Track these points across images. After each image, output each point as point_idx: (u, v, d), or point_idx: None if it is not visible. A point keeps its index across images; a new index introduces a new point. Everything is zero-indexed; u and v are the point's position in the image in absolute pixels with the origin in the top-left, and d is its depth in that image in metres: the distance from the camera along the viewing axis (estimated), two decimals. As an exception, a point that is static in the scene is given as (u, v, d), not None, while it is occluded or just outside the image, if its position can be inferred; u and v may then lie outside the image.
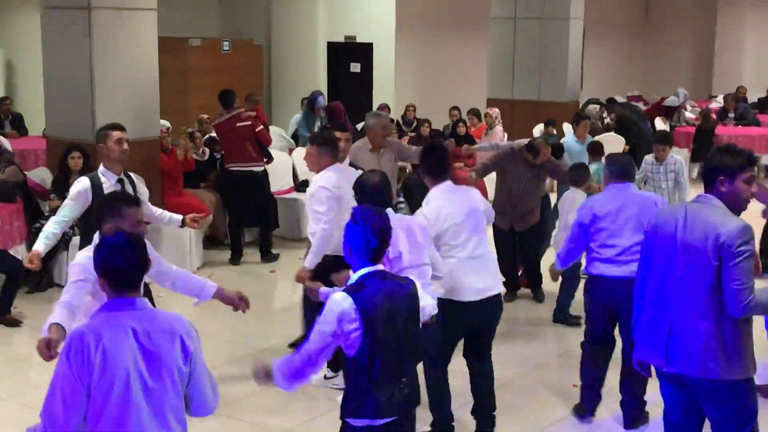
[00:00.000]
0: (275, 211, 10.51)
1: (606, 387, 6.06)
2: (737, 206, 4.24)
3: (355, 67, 17.32)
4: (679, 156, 9.75)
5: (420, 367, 4.55)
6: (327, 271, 5.50)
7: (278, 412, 6.17)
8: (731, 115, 17.18)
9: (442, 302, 5.13)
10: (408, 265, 4.87)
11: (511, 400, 6.30)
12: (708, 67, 23.87)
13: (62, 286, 8.74)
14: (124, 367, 3.25)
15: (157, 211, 6.36)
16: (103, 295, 4.13)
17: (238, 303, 5.01)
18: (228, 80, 15.27)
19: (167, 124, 10.17)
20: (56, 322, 4.08)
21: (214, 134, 10.81)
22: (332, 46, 17.37)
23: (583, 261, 6.13)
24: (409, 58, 16.93)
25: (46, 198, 9.15)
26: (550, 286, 7.73)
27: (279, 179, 11.10)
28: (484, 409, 5.73)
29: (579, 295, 6.96)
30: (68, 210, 5.98)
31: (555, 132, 12.65)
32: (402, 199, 10.94)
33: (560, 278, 7.05)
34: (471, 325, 5.58)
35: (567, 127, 13.41)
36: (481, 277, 5.49)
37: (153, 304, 5.43)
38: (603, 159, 8.54)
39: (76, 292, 4.23)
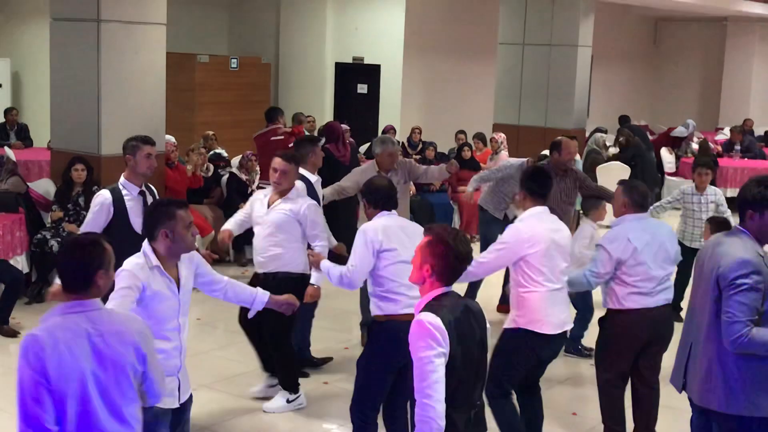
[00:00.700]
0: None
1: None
2: (766, 240, 4.20)
3: (362, 88, 17.33)
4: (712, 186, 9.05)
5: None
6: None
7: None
8: (737, 147, 17.15)
9: (515, 333, 5.13)
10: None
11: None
12: (715, 99, 23.89)
13: (61, 298, 8.80)
14: (80, 369, 3.27)
15: None
16: (147, 305, 4.21)
17: (287, 309, 5.07)
18: (235, 97, 15.36)
19: (173, 139, 10.15)
20: None
21: (218, 150, 10.79)
22: (340, 67, 17.40)
23: (597, 293, 6.02)
24: (416, 80, 16.95)
25: (48, 209, 9.13)
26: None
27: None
28: None
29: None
30: (92, 223, 5.83)
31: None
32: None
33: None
34: (546, 357, 5.54)
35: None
36: (562, 309, 5.46)
37: None
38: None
39: (121, 301, 4.14)
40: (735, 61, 23.54)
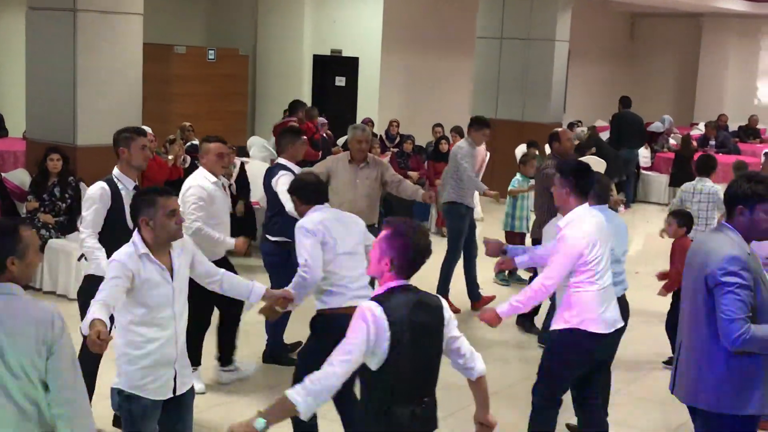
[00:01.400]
0: (254, 220, 10.45)
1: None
2: (754, 236, 4.13)
3: (340, 81, 17.31)
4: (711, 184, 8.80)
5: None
6: None
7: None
8: (712, 142, 17.28)
9: (568, 333, 5.02)
10: None
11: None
12: (690, 95, 24.05)
13: (39, 290, 8.71)
14: None
15: None
16: (138, 293, 4.20)
17: (283, 303, 5.06)
18: (212, 89, 15.29)
19: (150, 130, 10.10)
20: (98, 318, 3.88)
21: (195, 142, 10.75)
22: (318, 59, 17.36)
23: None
24: (394, 73, 16.94)
25: (23, 199, 9.07)
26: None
27: (259, 189, 11.00)
28: None
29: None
30: (94, 214, 5.54)
31: (537, 153, 12.67)
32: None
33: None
34: (600, 357, 5.35)
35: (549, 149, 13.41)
36: (614, 307, 5.26)
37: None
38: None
39: (112, 290, 4.10)
40: (710, 57, 23.70)
